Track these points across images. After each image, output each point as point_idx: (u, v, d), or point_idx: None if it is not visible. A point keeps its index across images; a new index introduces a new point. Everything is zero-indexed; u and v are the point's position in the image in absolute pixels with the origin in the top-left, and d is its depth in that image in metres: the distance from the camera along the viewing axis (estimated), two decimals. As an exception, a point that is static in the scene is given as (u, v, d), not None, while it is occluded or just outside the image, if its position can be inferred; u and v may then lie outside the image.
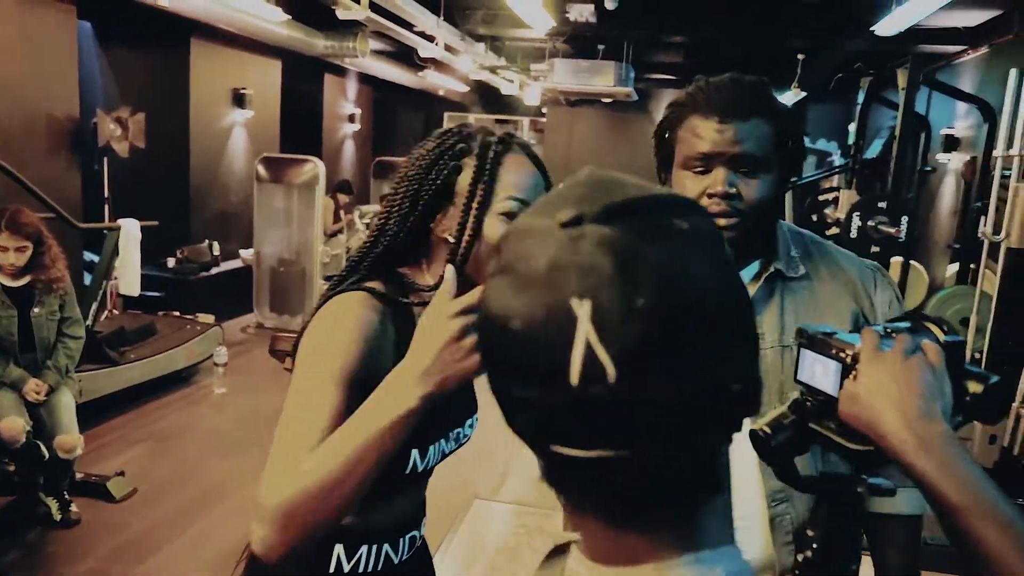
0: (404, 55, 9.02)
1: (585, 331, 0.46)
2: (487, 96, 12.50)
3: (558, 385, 0.47)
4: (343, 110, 11.30)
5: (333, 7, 5.98)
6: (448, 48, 7.69)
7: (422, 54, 7.67)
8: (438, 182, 1.13)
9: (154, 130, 6.48)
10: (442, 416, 1.18)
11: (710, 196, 1.12)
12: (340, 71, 10.66)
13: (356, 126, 11.65)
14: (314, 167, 7.04)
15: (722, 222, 1.11)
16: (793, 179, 1.19)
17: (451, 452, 1.24)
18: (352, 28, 7.52)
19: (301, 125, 9.84)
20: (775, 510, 1.18)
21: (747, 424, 0.57)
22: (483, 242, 1.11)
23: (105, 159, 6.24)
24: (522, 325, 0.49)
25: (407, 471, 1.14)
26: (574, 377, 0.46)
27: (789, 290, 1.22)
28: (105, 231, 5.03)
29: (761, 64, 8.20)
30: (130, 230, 5.16)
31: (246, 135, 8.49)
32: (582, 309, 0.46)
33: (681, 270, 0.48)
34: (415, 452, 1.14)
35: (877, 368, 0.78)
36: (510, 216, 1.10)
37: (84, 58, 6.75)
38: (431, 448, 1.16)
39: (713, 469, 0.52)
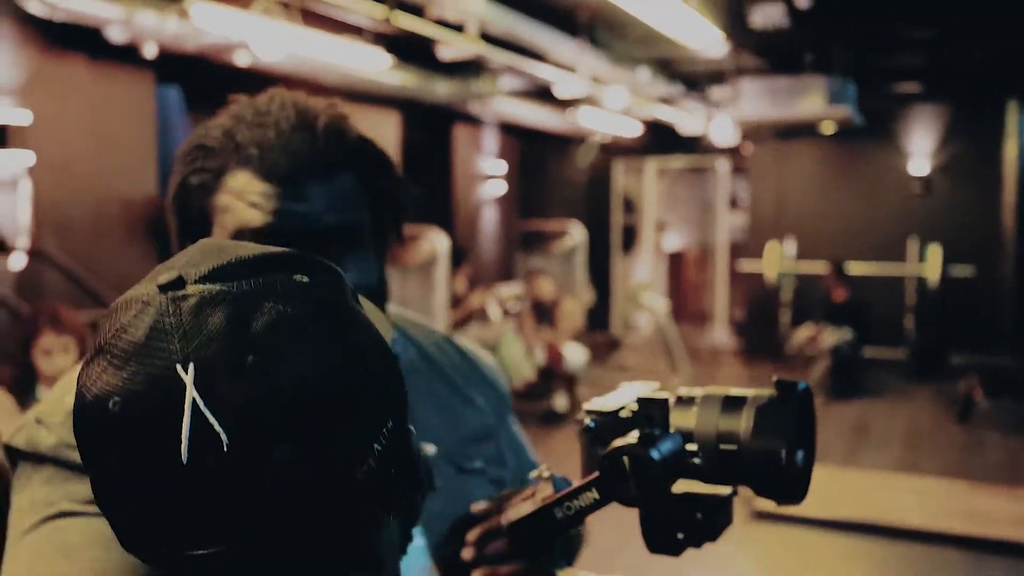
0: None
1: (192, 396, 0.41)
2: (662, 138, 10.28)
3: (171, 468, 0.41)
4: (478, 168, 9.13)
5: (432, 43, 4.90)
6: (598, 80, 6.06)
7: (558, 94, 6.11)
8: None
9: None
10: None
11: None
12: (474, 120, 8.68)
13: (498, 187, 9.31)
14: (431, 244, 5.65)
15: None
16: None
17: None
18: (473, 66, 6.16)
19: (427, 188, 8.15)
20: None
21: None
22: None
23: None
24: (123, 403, 0.42)
25: None
26: (184, 451, 0.41)
27: None
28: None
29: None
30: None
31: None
32: (188, 373, 0.41)
33: (299, 325, 0.43)
34: None
35: None
36: None
37: (171, 128, 5.90)
38: None
39: (364, 556, 0.46)
